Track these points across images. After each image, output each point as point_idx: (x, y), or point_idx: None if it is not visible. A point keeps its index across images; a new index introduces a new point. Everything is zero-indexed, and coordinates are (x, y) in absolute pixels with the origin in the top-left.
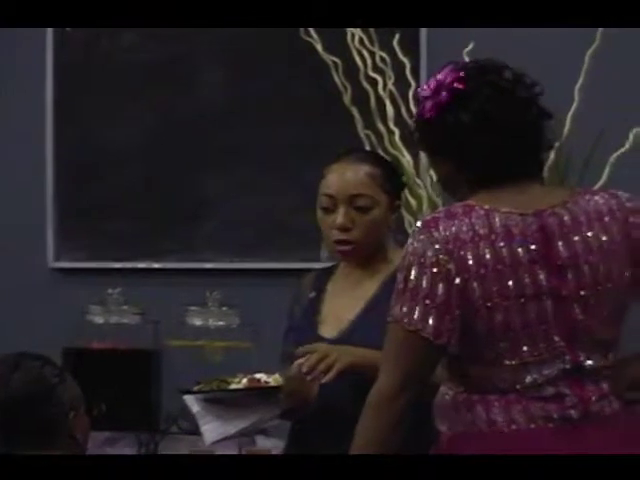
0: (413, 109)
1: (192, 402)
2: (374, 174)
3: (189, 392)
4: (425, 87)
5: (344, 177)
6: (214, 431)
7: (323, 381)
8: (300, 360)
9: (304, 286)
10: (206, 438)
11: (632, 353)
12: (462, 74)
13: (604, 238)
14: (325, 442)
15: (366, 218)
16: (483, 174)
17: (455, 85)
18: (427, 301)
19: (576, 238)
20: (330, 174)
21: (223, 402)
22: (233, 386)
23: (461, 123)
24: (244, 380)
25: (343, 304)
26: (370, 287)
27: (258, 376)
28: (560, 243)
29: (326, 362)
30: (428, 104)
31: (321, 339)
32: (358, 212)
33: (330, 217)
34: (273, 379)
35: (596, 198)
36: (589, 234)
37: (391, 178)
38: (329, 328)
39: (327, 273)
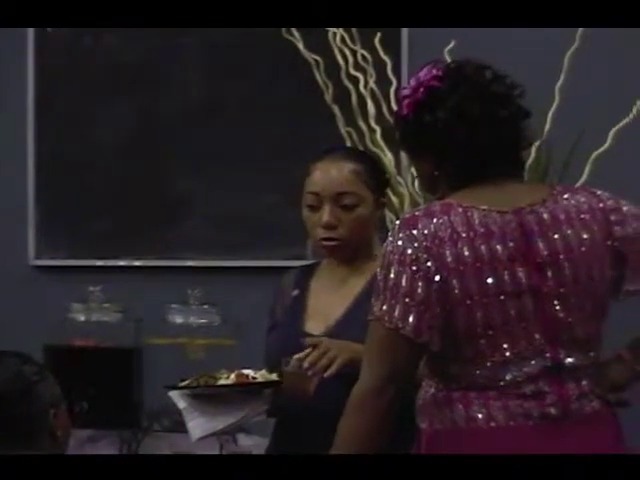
0: (394, 107)
1: (178, 398)
2: (359, 171)
3: (176, 388)
4: (407, 86)
5: (329, 175)
6: (201, 427)
7: (325, 375)
8: (299, 355)
9: (285, 284)
10: (193, 434)
11: (613, 354)
12: (439, 72)
13: (584, 236)
14: (312, 442)
15: (352, 216)
16: (461, 171)
17: (432, 83)
18: (407, 299)
19: (556, 236)
20: (315, 172)
21: (211, 398)
22: (221, 382)
23: (437, 120)
24: (232, 376)
25: (329, 301)
26: (356, 284)
27: (246, 372)
28: (539, 241)
29: (328, 357)
30: (405, 102)
31: (307, 336)
32: (343, 210)
33: (315, 215)
34: (260, 375)
35: (576, 196)
36: (569, 232)
37: (376, 175)
38: (315, 325)
39: (309, 270)
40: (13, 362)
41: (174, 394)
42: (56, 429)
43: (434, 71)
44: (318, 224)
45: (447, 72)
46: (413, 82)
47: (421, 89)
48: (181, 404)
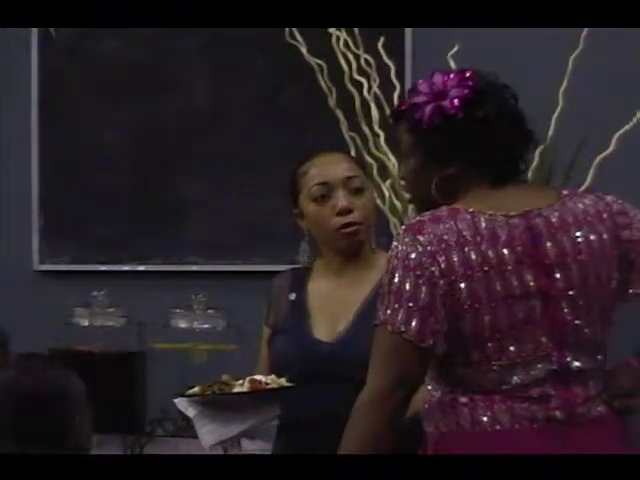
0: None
1: (186, 406)
2: (357, 163)
3: (188, 396)
4: (418, 94)
5: (333, 163)
6: (213, 434)
7: None
8: None
9: (279, 288)
10: (205, 441)
11: (620, 362)
12: (468, 74)
13: (592, 238)
14: (316, 447)
15: (363, 200)
16: (489, 171)
17: (468, 83)
18: (410, 304)
19: (564, 238)
20: (315, 166)
21: (224, 405)
22: (237, 389)
23: (487, 115)
24: (246, 383)
25: (332, 306)
26: (360, 288)
27: (257, 378)
28: (548, 243)
29: None
30: (447, 102)
31: (318, 342)
32: (354, 195)
33: (327, 205)
34: (271, 380)
35: (583, 200)
36: (577, 234)
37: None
38: (323, 331)
39: (303, 273)
40: (43, 364)
41: (181, 402)
42: (82, 432)
43: (459, 74)
44: (333, 212)
45: (473, 75)
46: (429, 87)
47: (461, 88)
48: (190, 412)
